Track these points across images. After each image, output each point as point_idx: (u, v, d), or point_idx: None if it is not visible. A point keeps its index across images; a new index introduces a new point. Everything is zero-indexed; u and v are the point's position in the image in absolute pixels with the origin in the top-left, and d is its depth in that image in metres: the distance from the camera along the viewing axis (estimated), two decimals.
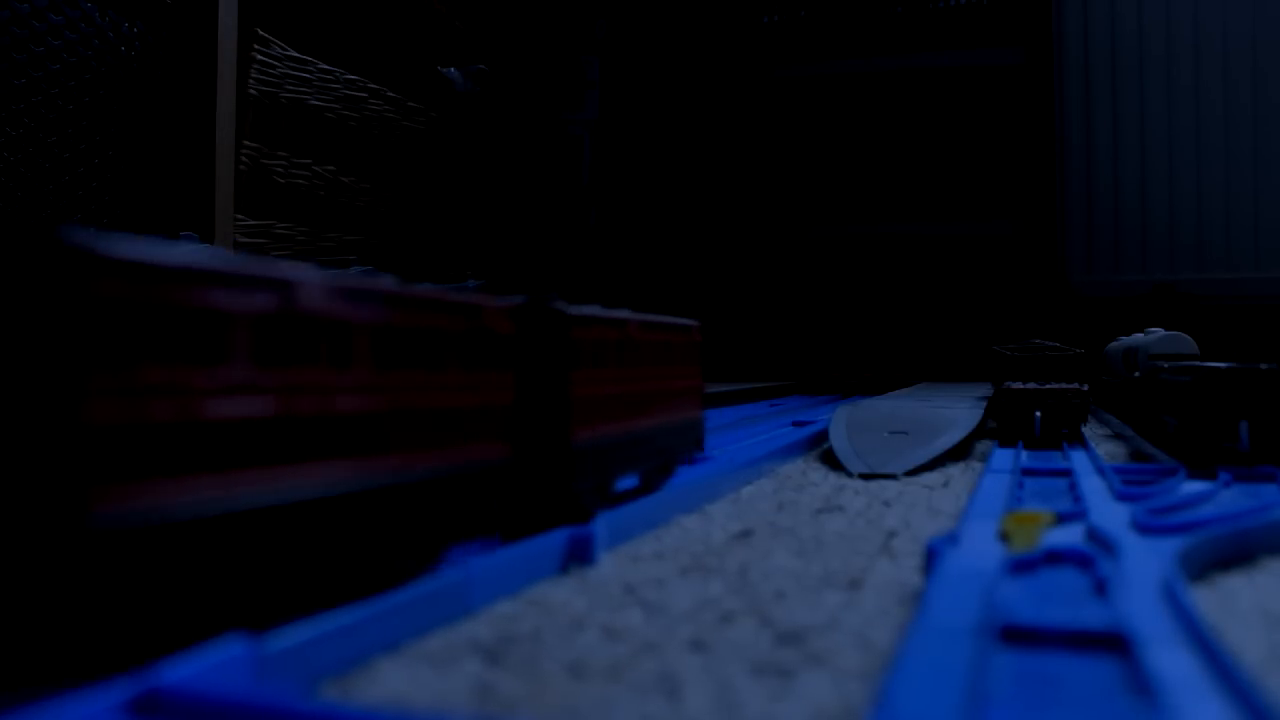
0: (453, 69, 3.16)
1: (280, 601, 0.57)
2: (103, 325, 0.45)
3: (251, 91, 2.37)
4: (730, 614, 0.64)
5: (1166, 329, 2.16)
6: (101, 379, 0.44)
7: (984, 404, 1.84)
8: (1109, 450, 1.61)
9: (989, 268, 3.71)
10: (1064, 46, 3.56)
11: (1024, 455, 1.42)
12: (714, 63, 4.07)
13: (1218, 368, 1.29)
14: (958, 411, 1.69)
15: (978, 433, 1.66)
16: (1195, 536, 0.78)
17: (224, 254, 0.54)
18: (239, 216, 2.32)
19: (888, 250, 3.85)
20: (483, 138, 3.36)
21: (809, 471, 1.36)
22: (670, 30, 4.11)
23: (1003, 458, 1.40)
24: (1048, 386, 1.64)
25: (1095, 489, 1.08)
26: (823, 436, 1.62)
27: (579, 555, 0.78)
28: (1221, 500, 1.04)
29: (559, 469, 0.85)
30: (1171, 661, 0.50)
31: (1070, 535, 0.84)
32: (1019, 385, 1.65)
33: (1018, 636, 0.56)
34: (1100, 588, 0.66)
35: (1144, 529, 0.84)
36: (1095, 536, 0.82)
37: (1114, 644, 0.54)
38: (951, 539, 0.78)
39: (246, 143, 2.36)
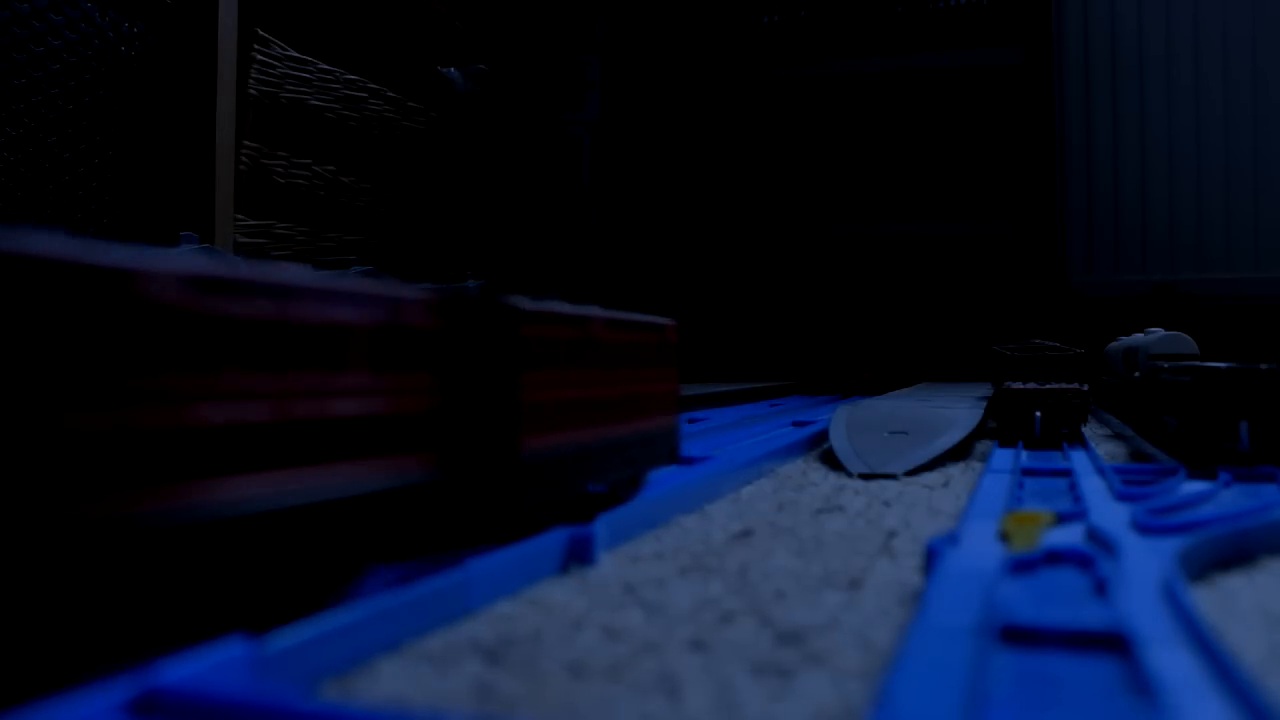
0: (453, 69, 3.16)
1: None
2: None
3: (251, 91, 2.37)
4: (730, 614, 0.64)
5: (1166, 329, 2.16)
6: None
7: (984, 404, 1.84)
8: (1109, 450, 1.61)
9: (989, 268, 3.70)
10: (1064, 46, 3.56)
11: (1024, 455, 1.42)
12: (714, 63, 4.06)
13: (1218, 368, 1.29)
14: (958, 411, 1.69)
15: (978, 433, 1.66)
16: (1195, 536, 0.78)
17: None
18: (239, 216, 2.31)
19: (888, 250, 3.85)
20: (483, 138, 3.36)
21: (809, 471, 1.36)
22: (670, 30, 4.11)
23: (1003, 458, 1.40)
24: (1048, 386, 1.64)
25: (1095, 489, 1.08)
26: (823, 436, 1.62)
27: (579, 555, 0.78)
28: (1221, 500, 1.04)
29: (503, 482, 0.75)
30: (1171, 661, 0.50)
31: (1070, 535, 0.84)
32: (1019, 385, 1.65)
33: (1018, 636, 0.56)
34: (1100, 588, 0.66)
35: (1144, 529, 0.84)
36: (1095, 536, 0.82)
37: (1114, 644, 0.54)
38: (951, 539, 0.78)
39: (246, 143, 2.36)
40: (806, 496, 1.14)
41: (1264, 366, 1.26)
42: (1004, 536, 0.82)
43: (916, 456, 1.35)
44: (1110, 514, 0.92)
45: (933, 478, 1.28)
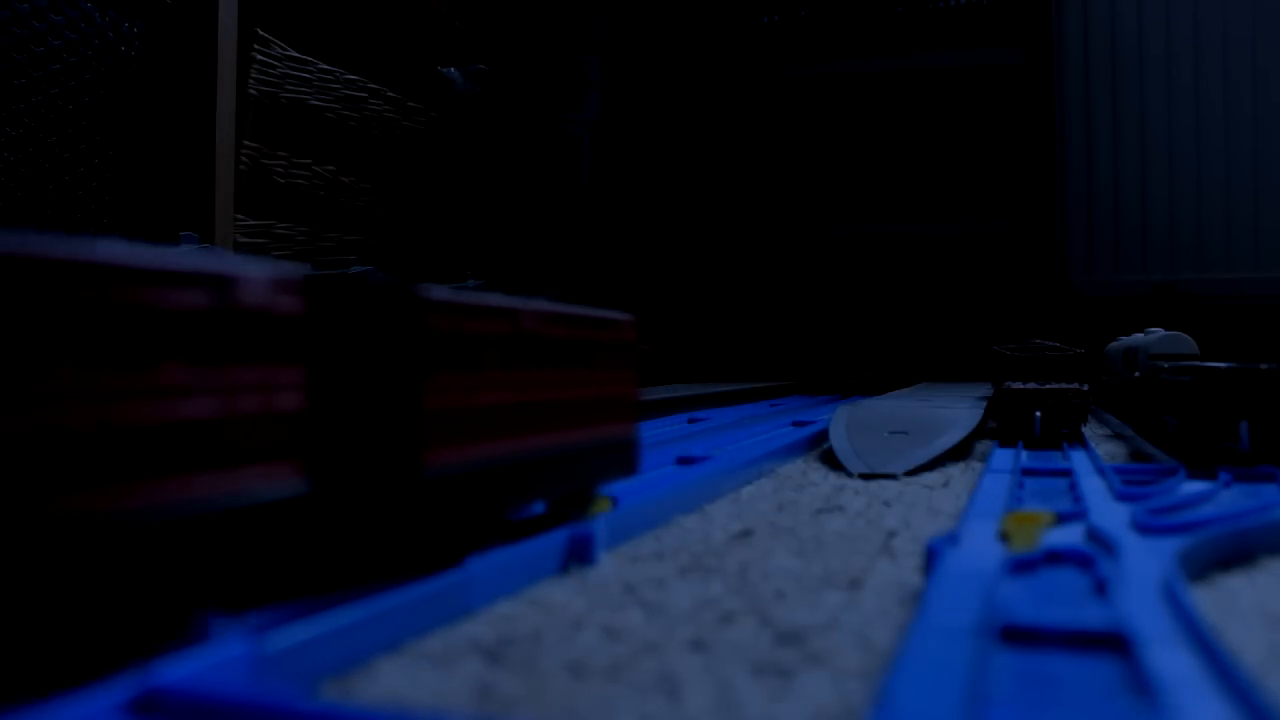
0: (453, 69, 3.16)
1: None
2: None
3: (251, 91, 2.37)
4: (730, 614, 0.64)
5: (1166, 329, 2.16)
6: None
7: (984, 404, 1.84)
8: (1109, 450, 1.61)
9: (989, 268, 3.70)
10: (1064, 46, 3.56)
11: (1024, 455, 1.42)
12: (714, 63, 4.07)
13: (1218, 368, 1.29)
14: (958, 411, 1.69)
15: (978, 433, 1.66)
16: (1195, 536, 0.78)
17: None
18: (239, 216, 2.32)
19: (888, 250, 3.85)
20: (483, 138, 3.36)
21: (809, 471, 1.36)
22: (670, 30, 4.11)
23: (1003, 458, 1.40)
24: (1048, 386, 1.64)
25: (1095, 489, 1.08)
26: (823, 436, 1.62)
27: (579, 555, 0.78)
28: (1221, 500, 1.04)
29: (398, 503, 0.62)
30: (1171, 661, 0.50)
31: (1070, 535, 0.84)
32: (1019, 385, 1.65)
33: (1018, 636, 0.56)
34: (1100, 588, 0.66)
35: (1144, 529, 0.84)
36: (1095, 536, 0.82)
37: (1114, 644, 0.54)
38: (951, 539, 0.78)
39: (246, 143, 2.36)
40: (806, 496, 1.14)
41: (1264, 366, 1.26)
42: (1004, 536, 0.82)
43: (916, 456, 1.35)
44: (1110, 514, 0.92)
45: (933, 478, 1.28)
